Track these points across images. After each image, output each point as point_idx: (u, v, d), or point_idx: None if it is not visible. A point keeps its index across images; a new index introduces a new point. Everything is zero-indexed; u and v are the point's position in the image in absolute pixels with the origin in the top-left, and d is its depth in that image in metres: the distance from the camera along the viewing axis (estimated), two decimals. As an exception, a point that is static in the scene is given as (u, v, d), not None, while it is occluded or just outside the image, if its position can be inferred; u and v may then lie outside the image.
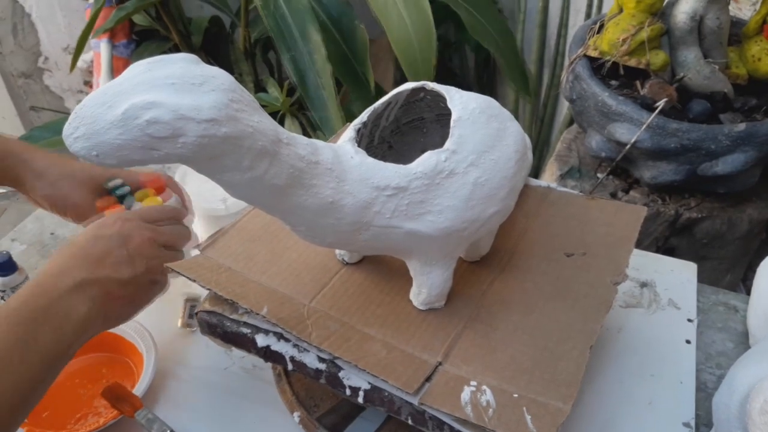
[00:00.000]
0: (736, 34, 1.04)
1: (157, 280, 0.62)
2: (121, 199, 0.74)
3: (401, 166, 0.49)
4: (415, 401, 0.50)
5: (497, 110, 0.55)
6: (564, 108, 1.66)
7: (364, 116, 0.56)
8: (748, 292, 1.00)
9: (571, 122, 1.59)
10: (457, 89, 0.54)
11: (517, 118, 1.31)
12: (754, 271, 1.13)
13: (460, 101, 0.53)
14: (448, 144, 0.50)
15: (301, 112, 1.59)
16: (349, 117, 1.51)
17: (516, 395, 0.50)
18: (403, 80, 1.96)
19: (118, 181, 0.74)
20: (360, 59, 1.40)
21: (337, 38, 1.43)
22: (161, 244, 0.62)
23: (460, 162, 0.50)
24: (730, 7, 0.98)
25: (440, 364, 0.53)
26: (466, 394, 0.50)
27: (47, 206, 0.73)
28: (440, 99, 0.57)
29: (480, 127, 0.52)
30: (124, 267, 0.58)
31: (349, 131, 0.54)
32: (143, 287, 0.60)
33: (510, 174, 0.53)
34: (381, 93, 1.35)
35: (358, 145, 0.52)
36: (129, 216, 0.63)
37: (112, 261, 0.58)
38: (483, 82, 2.02)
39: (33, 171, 0.71)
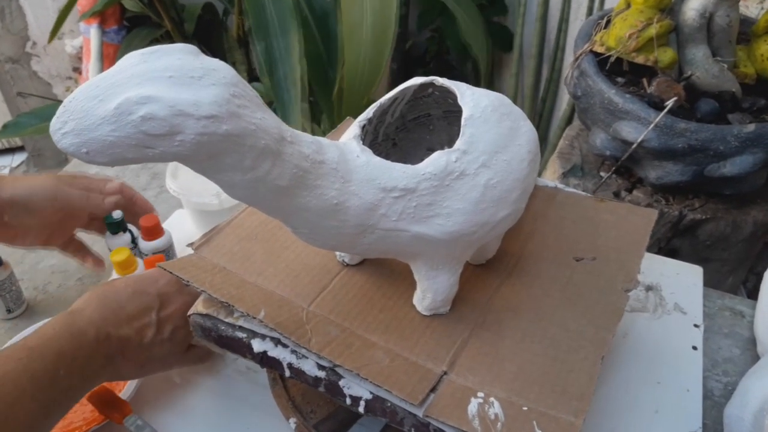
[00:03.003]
0: (744, 32, 1.02)
1: (175, 351, 0.61)
2: (115, 229, 0.75)
3: (409, 166, 0.47)
4: (419, 413, 0.48)
5: (509, 108, 0.52)
6: (563, 103, 1.64)
7: (369, 112, 0.53)
8: (749, 295, 0.98)
9: (570, 118, 1.57)
10: (468, 85, 0.52)
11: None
12: (755, 274, 1.12)
13: (471, 98, 0.50)
14: (458, 144, 0.48)
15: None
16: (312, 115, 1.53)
17: (525, 408, 0.48)
18: (400, 72, 1.94)
19: (119, 214, 0.75)
20: (332, 61, 1.40)
21: (316, 36, 1.42)
22: None
23: (471, 163, 0.48)
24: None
25: (445, 373, 0.50)
26: (473, 407, 0.48)
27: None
28: (449, 95, 0.54)
29: (492, 126, 0.49)
30: (149, 331, 0.58)
31: (354, 128, 0.51)
32: (157, 355, 0.59)
33: (522, 176, 0.50)
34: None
35: (362, 142, 0.49)
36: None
37: (141, 324, 0.58)
38: (480, 76, 1.99)
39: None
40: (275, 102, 1.29)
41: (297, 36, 1.26)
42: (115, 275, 0.71)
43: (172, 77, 0.34)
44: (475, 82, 1.93)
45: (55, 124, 0.34)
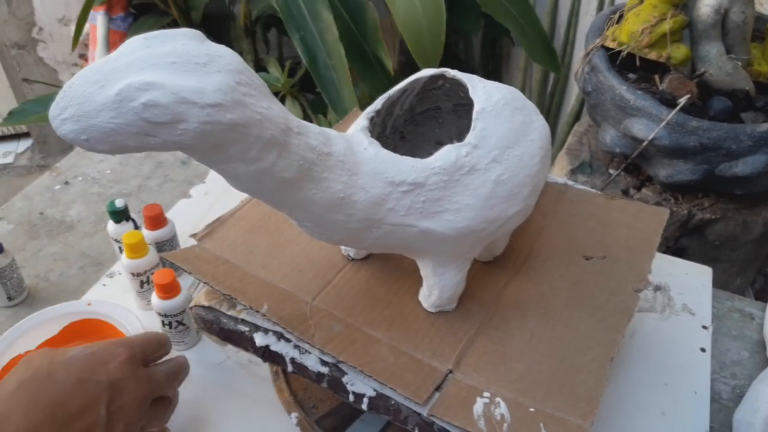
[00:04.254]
0: (759, 30, 1.00)
1: None
2: (118, 217, 0.75)
3: (418, 160, 0.46)
4: (424, 412, 0.47)
5: (522, 102, 0.51)
6: (572, 99, 1.62)
7: (378, 104, 0.52)
8: (757, 297, 0.97)
9: (578, 114, 1.55)
10: (479, 78, 0.51)
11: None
12: (764, 275, 1.11)
13: (483, 91, 0.49)
14: (469, 138, 0.47)
15: (301, 94, 1.55)
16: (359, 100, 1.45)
17: (532, 409, 0.47)
18: (408, 64, 1.91)
19: (122, 202, 0.75)
20: (369, 39, 1.34)
21: (345, 16, 1.38)
22: (155, 397, 0.51)
23: (482, 157, 0.46)
24: (753, 1, 0.94)
25: (451, 372, 0.49)
26: (478, 407, 0.47)
27: None
28: (459, 88, 0.53)
29: (504, 121, 0.48)
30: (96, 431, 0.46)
31: (362, 120, 0.50)
32: None
33: (534, 172, 0.49)
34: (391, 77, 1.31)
35: (370, 134, 0.48)
36: (132, 352, 0.50)
37: (86, 424, 0.45)
38: (489, 70, 1.98)
39: None
40: (322, 90, 1.23)
41: (330, 17, 1.20)
42: (124, 259, 0.70)
43: (176, 63, 0.33)
44: (484, 76, 1.91)
45: (54, 109, 0.33)
